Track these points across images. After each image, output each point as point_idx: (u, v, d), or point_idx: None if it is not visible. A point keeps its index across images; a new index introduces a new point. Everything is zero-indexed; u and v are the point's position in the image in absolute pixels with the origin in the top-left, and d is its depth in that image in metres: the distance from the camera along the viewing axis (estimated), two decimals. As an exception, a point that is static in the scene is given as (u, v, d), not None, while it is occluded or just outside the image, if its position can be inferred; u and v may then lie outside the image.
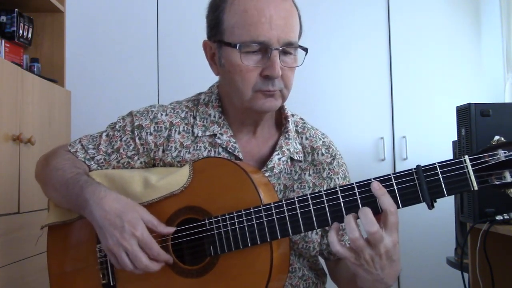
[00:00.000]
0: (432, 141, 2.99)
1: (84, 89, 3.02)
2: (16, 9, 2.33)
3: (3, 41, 2.26)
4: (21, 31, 2.37)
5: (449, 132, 2.42)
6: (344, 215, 1.04)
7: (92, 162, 1.29)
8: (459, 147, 2.02)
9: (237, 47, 1.14)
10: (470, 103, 1.91)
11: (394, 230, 1.00)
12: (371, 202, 1.02)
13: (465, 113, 1.93)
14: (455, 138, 2.07)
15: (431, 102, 3.04)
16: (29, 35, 2.45)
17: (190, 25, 3.07)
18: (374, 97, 3.06)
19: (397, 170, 3.00)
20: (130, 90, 3.04)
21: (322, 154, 1.31)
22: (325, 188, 1.28)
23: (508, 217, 1.78)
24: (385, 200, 0.99)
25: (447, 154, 2.43)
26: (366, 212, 0.99)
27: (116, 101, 3.02)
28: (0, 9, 2.32)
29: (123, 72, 3.06)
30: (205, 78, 2.60)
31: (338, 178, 1.31)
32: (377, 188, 1.00)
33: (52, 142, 2.21)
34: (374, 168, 3.01)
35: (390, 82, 3.06)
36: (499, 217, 1.79)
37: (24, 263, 1.95)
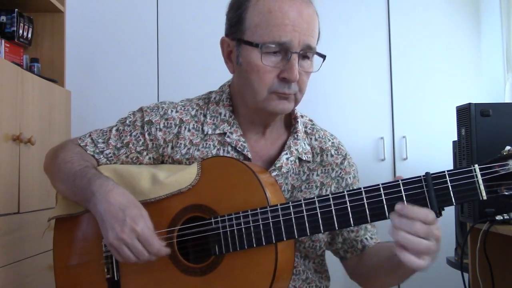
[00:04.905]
0: (432, 141, 2.99)
1: (84, 89, 3.02)
2: (16, 9, 2.33)
3: (3, 41, 2.26)
4: (21, 31, 2.37)
5: (449, 132, 2.42)
6: (351, 219, 1.04)
7: (101, 156, 1.29)
8: (459, 147, 2.02)
9: (258, 47, 1.15)
10: (470, 103, 1.91)
11: (435, 220, 1.00)
12: (379, 207, 1.02)
13: (465, 113, 1.94)
14: (455, 138, 2.07)
15: (431, 102, 3.04)
16: (29, 35, 2.45)
17: (190, 25, 3.08)
18: (374, 97, 3.06)
19: (397, 170, 3.01)
20: (130, 90, 3.04)
21: (332, 155, 1.31)
22: (333, 188, 1.29)
23: (508, 217, 1.78)
24: (418, 214, 0.99)
25: (447, 154, 2.44)
26: (416, 225, 0.98)
27: (116, 101, 3.02)
28: (0, 9, 2.32)
29: (123, 72, 3.06)
30: (205, 78, 2.61)
31: (349, 177, 1.32)
32: (402, 208, 0.99)
33: (52, 142, 2.21)
34: (374, 168, 3.01)
35: (390, 82, 3.06)
36: (499, 217, 1.79)
37: (24, 263, 1.95)
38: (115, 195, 1.12)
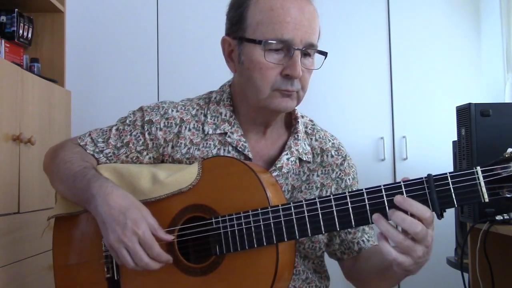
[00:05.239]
0: (432, 141, 2.99)
1: (84, 89, 3.02)
2: (16, 9, 2.33)
3: (3, 41, 2.26)
4: (21, 31, 2.37)
5: (449, 132, 2.42)
6: (352, 220, 1.03)
7: (101, 155, 1.29)
8: (459, 147, 2.02)
9: (261, 44, 1.15)
10: (470, 103, 1.91)
11: (432, 222, 0.99)
12: (380, 208, 1.02)
13: (465, 113, 1.94)
14: (455, 138, 2.07)
15: (431, 102, 3.04)
16: (29, 35, 2.44)
17: (190, 25, 3.08)
18: (374, 97, 3.06)
19: (397, 170, 3.01)
20: (130, 90, 3.04)
21: (332, 156, 1.31)
22: (333, 189, 1.29)
23: (508, 217, 1.78)
24: (417, 209, 0.98)
25: (447, 154, 2.44)
26: (403, 217, 0.98)
27: (116, 101, 3.02)
28: (0, 9, 2.32)
29: (123, 72, 3.06)
30: (205, 78, 2.60)
31: (348, 179, 1.32)
32: (402, 201, 0.99)
33: (52, 142, 2.20)
34: (374, 168, 3.01)
35: (390, 82, 3.06)
36: (499, 217, 1.79)
37: (24, 263, 1.95)
38: (115, 197, 1.11)
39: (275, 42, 1.14)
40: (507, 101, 2.70)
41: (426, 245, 0.99)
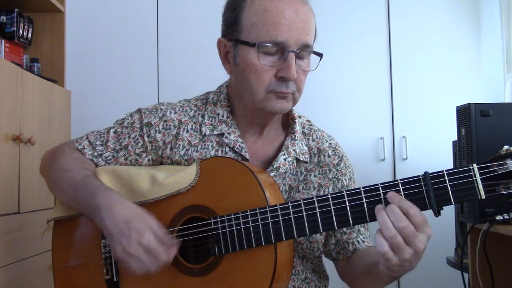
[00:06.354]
0: (432, 141, 2.99)
1: (84, 89, 3.02)
2: (16, 9, 2.33)
3: (3, 41, 2.26)
4: (21, 31, 2.37)
5: (449, 132, 2.42)
6: (350, 219, 1.04)
7: (100, 159, 1.29)
8: (459, 147, 2.02)
9: (255, 46, 1.15)
10: (470, 103, 1.91)
11: (424, 226, 0.99)
12: None
13: (465, 113, 1.94)
14: (455, 138, 2.07)
15: (431, 102, 3.04)
16: (29, 35, 2.45)
17: (190, 25, 3.08)
18: (374, 97, 3.06)
19: (397, 170, 3.01)
20: (130, 90, 3.04)
21: (329, 156, 1.31)
22: (330, 189, 1.29)
23: (508, 217, 1.78)
24: (404, 204, 0.99)
25: (447, 154, 2.44)
26: (392, 209, 0.99)
27: (116, 101, 3.02)
28: (0, 9, 2.32)
29: (123, 72, 3.06)
30: (205, 78, 2.59)
31: (345, 179, 1.32)
32: (394, 197, 1.00)
33: (52, 142, 2.21)
34: (374, 168, 3.01)
35: (390, 82, 3.06)
36: (499, 217, 1.79)
37: (24, 263, 1.95)
38: (119, 209, 1.10)
39: (269, 45, 1.14)
40: (507, 101, 2.70)
41: (416, 250, 0.98)
